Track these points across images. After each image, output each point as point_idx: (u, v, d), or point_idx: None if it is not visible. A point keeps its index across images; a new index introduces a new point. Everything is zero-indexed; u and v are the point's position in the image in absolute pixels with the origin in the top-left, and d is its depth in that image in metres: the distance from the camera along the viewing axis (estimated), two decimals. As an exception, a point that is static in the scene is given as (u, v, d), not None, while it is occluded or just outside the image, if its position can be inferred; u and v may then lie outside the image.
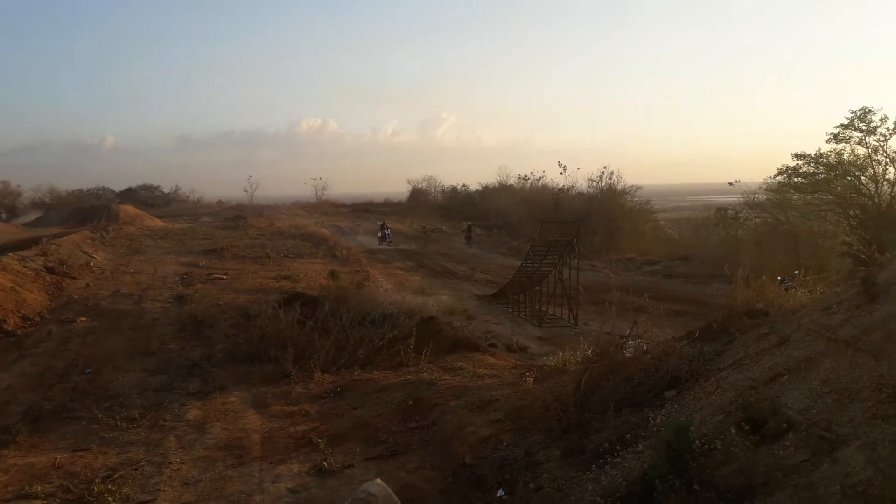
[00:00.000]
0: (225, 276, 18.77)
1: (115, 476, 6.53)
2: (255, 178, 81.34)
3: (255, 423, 8.18)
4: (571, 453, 5.63)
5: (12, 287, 15.16)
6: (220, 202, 63.27)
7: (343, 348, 10.46)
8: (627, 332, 7.40)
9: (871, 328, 4.75)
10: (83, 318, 13.84)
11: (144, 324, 13.65)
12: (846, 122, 23.17)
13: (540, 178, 42.98)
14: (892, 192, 22.77)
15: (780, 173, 24.67)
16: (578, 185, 36.40)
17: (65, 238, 23.55)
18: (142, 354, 11.52)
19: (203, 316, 13.79)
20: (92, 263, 20.75)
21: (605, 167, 34.34)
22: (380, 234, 33.31)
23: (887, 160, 22.77)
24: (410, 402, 8.22)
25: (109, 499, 5.98)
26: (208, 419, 8.28)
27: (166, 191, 65.34)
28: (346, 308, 11.44)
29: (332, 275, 18.38)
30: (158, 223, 37.95)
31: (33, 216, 44.85)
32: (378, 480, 4.34)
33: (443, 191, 56.90)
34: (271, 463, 6.88)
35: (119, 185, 64.23)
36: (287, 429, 7.91)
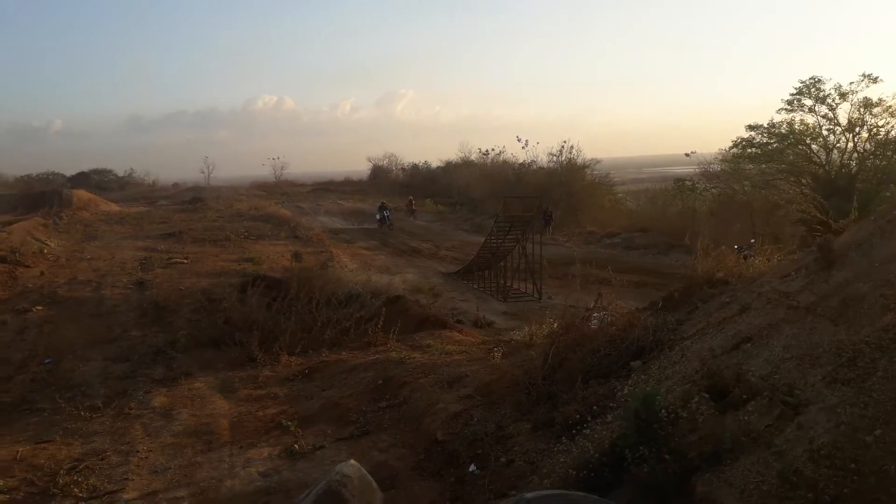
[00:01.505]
0: (185, 260, 18.39)
1: (80, 467, 6.41)
2: (211, 158, 79.74)
3: (223, 407, 8.11)
4: (542, 426, 5.71)
5: (-38, 277, 14.66)
6: (176, 185, 61.81)
7: (310, 330, 10.38)
8: (592, 305, 7.51)
9: (829, 294, 4.90)
10: (39, 307, 13.45)
11: (104, 311, 13.32)
12: (796, 91, 23.75)
13: (500, 153, 43.03)
14: (841, 160, 23.45)
15: (734, 145, 25.20)
16: (539, 159, 36.57)
17: (15, 225, 22.75)
18: (103, 342, 11.26)
19: (165, 301, 13.50)
20: (46, 251, 20.10)
21: (564, 141, 34.50)
22: (378, 217, 30.46)
23: (836, 128, 23.42)
24: (380, 382, 8.23)
25: (76, 490, 5.89)
26: (175, 406, 8.18)
27: (120, 174, 63.65)
28: (312, 289, 11.34)
29: (296, 256, 18.20)
30: (114, 207, 36.92)
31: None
32: (352, 461, 4.33)
33: (404, 168, 56.53)
34: (241, 447, 6.84)
35: (70, 170, 62.31)
36: (256, 413, 7.86)
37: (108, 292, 14.76)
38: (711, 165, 27.06)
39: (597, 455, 4.52)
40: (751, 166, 25.00)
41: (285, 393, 8.50)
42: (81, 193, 38.78)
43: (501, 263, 17.37)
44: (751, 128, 24.73)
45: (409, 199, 37.91)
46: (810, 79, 23.52)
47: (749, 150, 24.79)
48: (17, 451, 6.88)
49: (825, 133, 23.61)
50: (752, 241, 15.78)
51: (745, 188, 24.37)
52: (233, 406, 8.14)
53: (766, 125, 24.46)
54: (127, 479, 6.17)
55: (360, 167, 60.50)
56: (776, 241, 14.93)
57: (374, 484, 4.26)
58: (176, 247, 21.06)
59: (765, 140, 24.56)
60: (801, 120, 23.93)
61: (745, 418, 4.05)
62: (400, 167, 56.72)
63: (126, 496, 5.80)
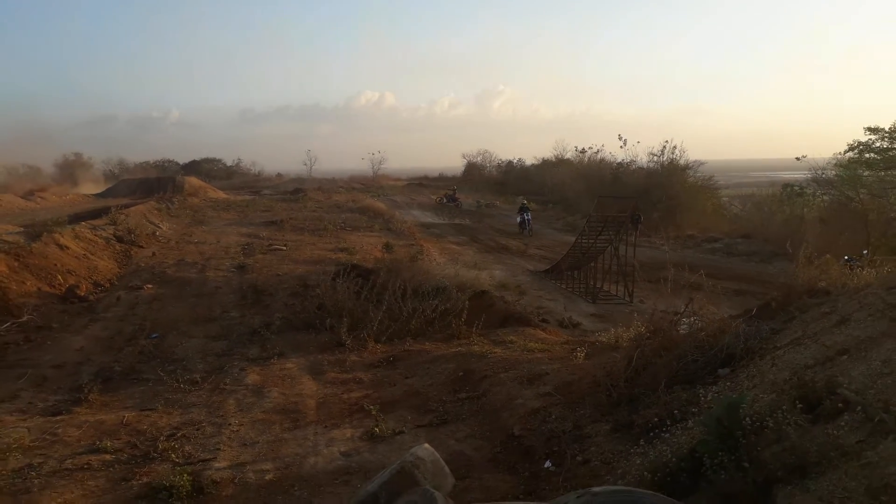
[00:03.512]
0: (284, 247, 19.21)
1: (178, 435, 6.84)
2: (313, 151, 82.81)
3: (310, 388, 8.43)
4: (620, 428, 5.63)
5: (84, 254, 15.91)
6: (279, 175, 64.63)
7: (396, 319, 10.62)
8: (682, 310, 7.29)
9: (939, 309, 4.57)
10: (150, 286, 14.41)
11: (207, 292, 14.13)
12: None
13: (598, 151, 42.26)
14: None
15: (850, 149, 23.61)
16: (639, 159, 35.60)
17: (133, 208, 24.48)
18: (204, 321, 11.95)
19: (263, 285, 14.18)
20: (158, 233, 21.54)
21: (666, 141, 33.42)
22: (518, 220, 27.76)
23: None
24: (461, 373, 8.32)
25: (172, 455, 6.29)
26: (266, 384, 8.57)
27: (228, 163, 67.24)
28: (400, 280, 11.57)
29: (387, 247, 18.62)
30: (221, 195, 38.94)
31: (103, 187, 46.61)
32: (426, 445, 4.43)
33: (498, 165, 56.58)
34: (325, 427, 7.09)
35: (183, 158, 66.57)
36: (341, 395, 8.12)
37: (211, 274, 15.63)
38: (824, 171, 25.48)
39: (674, 459, 4.41)
40: (868, 173, 23.38)
41: (370, 378, 8.74)
42: (192, 180, 41.18)
43: (592, 264, 17.07)
44: (871, 130, 23.09)
45: (454, 188, 40.72)
46: None
47: (867, 156, 23.18)
48: (124, 417, 7.42)
49: None
50: (865, 252, 14.81)
51: (861, 196, 22.83)
52: (320, 387, 8.45)
53: (887, 129, 22.76)
54: (219, 449, 6.52)
55: (454, 163, 61.17)
56: (894, 252, 13.94)
57: (447, 469, 4.34)
58: (276, 234, 22.03)
59: (885, 145, 22.88)
60: None
61: (836, 432, 3.85)
62: (494, 164, 56.82)
63: (217, 465, 6.14)
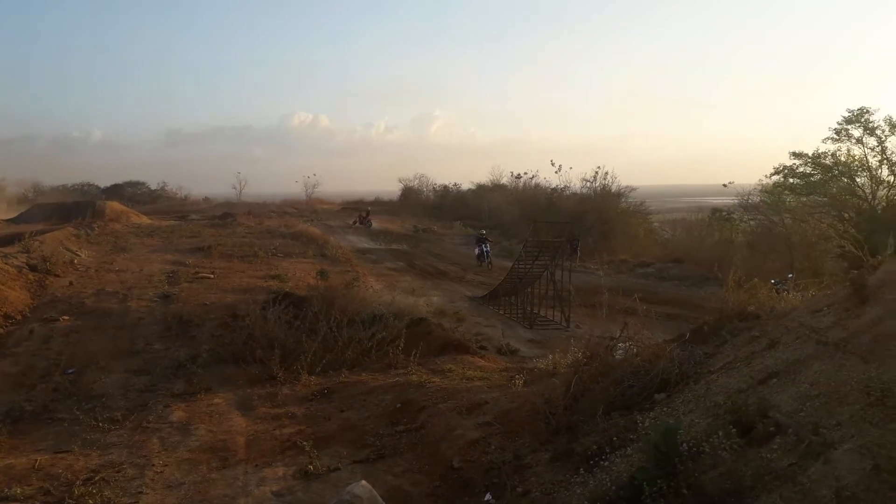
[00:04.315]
0: (212, 275, 18.56)
1: (96, 478, 6.42)
2: (244, 174, 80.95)
3: (240, 425, 8.08)
4: (560, 457, 5.57)
5: (-5, 285, 14.95)
6: (207, 199, 62.91)
7: (331, 349, 10.34)
8: (617, 335, 7.34)
9: (860, 331, 4.72)
10: (66, 317, 13.65)
11: (129, 323, 13.47)
12: (843, 121, 23.14)
13: (533, 177, 43.09)
14: (888, 194, 22.74)
15: (776, 172, 24.61)
16: (573, 185, 36.41)
17: (48, 235, 23.23)
18: (126, 354, 11.36)
19: (189, 316, 13.61)
20: (76, 261, 20.49)
21: (598, 167, 34.35)
22: (476, 251, 26.40)
23: (884, 161, 22.70)
24: (398, 405, 8.14)
25: (90, 501, 5.89)
26: (193, 421, 8.17)
27: (153, 187, 65.04)
28: (335, 308, 11.32)
29: (322, 274, 18.26)
30: (145, 220, 37.58)
31: (16, 212, 44.25)
32: (363, 482, 4.26)
33: (434, 189, 56.80)
34: (256, 466, 6.79)
35: (105, 181, 63.96)
36: (273, 431, 7.81)
37: (133, 304, 14.94)
38: (750, 196, 26.52)
39: (614, 488, 4.38)
40: (791, 198, 24.42)
41: (303, 412, 8.45)
42: (114, 205, 39.53)
43: (529, 290, 17.18)
44: (795, 155, 24.12)
45: (367, 209, 41.92)
46: (858, 109, 22.88)
47: (790, 181, 24.18)
48: (36, 460, 6.93)
49: (874, 166, 22.90)
50: (790, 275, 15.41)
51: (785, 220, 23.79)
52: (250, 423, 8.11)
53: (810, 154, 23.85)
54: (141, 492, 6.16)
55: (391, 187, 60.98)
56: (816, 275, 14.54)
57: (384, 508, 4.17)
58: (204, 261, 21.29)
59: (808, 170, 23.94)
60: (848, 151, 23.27)
61: (769, 455, 3.89)
62: (430, 188, 57.02)
63: (138, 510, 5.77)
